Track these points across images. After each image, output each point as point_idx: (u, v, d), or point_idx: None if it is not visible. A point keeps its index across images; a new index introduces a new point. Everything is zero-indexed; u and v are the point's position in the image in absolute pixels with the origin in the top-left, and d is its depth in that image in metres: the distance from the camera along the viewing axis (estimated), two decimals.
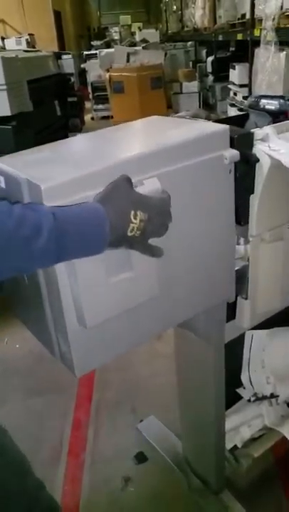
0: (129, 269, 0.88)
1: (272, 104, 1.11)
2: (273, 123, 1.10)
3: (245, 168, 0.97)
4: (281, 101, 1.10)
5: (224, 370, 1.38)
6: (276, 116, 1.11)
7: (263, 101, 1.12)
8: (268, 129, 0.98)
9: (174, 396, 2.19)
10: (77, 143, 1.09)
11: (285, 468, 1.85)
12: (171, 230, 0.90)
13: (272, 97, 1.12)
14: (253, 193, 1.02)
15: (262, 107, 1.13)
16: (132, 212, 0.78)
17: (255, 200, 1.02)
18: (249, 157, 0.97)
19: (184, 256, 1.00)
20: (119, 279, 0.87)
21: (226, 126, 0.96)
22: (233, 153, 0.95)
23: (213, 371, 1.35)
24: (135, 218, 0.78)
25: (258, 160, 0.97)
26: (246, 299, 1.17)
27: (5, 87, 2.69)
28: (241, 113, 1.20)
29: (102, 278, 0.85)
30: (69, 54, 4.78)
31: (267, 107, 1.12)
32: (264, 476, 1.81)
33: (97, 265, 0.83)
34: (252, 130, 0.98)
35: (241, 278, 1.14)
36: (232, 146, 0.96)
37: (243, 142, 0.96)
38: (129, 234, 0.78)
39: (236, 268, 1.12)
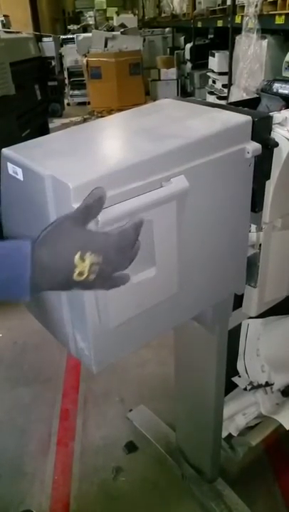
0: (152, 268, 0.85)
1: (285, 88, 1.09)
2: (286, 108, 1.07)
3: (264, 153, 0.94)
4: None
5: (226, 358, 1.37)
6: None
7: (276, 85, 1.09)
8: (287, 113, 0.96)
9: (162, 386, 2.20)
10: (92, 131, 1.03)
11: (276, 456, 1.87)
12: (191, 225, 0.89)
13: (286, 81, 1.09)
14: (269, 178, 0.99)
15: (275, 90, 1.10)
16: (78, 255, 0.68)
17: (270, 186, 1.00)
18: (268, 141, 0.94)
19: (200, 251, 0.98)
20: (142, 278, 0.85)
21: (249, 118, 0.93)
22: (256, 147, 0.93)
23: (215, 360, 1.34)
24: (83, 261, 0.68)
25: (277, 144, 0.94)
26: (255, 287, 1.15)
27: None
28: (248, 97, 1.16)
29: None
30: (50, 37, 4.64)
31: (280, 91, 1.09)
32: (255, 463, 1.81)
33: None
34: (271, 113, 0.95)
35: (251, 266, 1.12)
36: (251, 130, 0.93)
37: (262, 126, 0.94)
38: (76, 279, 0.69)
39: (247, 256, 1.10)
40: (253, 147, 0.93)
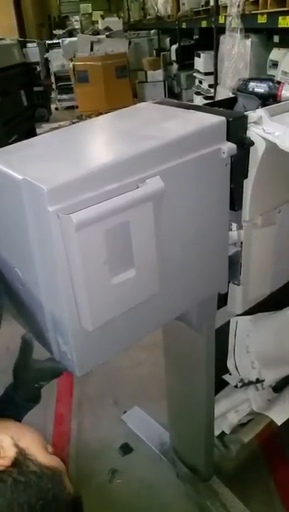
0: (130, 269, 0.86)
1: (261, 87, 1.10)
2: (262, 106, 1.08)
3: (240, 153, 0.95)
4: (270, 84, 1.09)
5: (214, 357, 1.38)
6: (265, 100, 1.10)
7: (252, 84, 1.10)
8: (262, 112, 0.96)
9: (156, 386, 2.20)
10: (69, 136, 1.04)
11: (270, 452, 1.88)
12: (169, 226, 0.90)
13: (260, 80, 1.11)
14: (246, 177, 1.00)
15: (250, 90, 1.11)
16: None
17: (248, 185, 1.01)
18: (244, 141, 0.95)
19: (180, 251, 0.98)
20: (121, 279, 0.85)
21: (222, 118, 0.94)
22: (231, 147, 0.94)
23: (204, 359, 1.35)
24: None
25: (252, 143, 0.95)
26: (238, 284, 1.16)
27: None
28: (229, 96, 1.18)
29: (106, 280, 0.83)
30: (34, 42, 4.63)
31: (256, 90, 1.10)
32: (250, 460, 1.82)
33: (102, 269, 0.81)
34: (246, 113, 0.96)
35: (234, 264, 1.13)
36: (226, 130, 0.94)
37: (237, 126, 0.94)
38: None
39: (229, 254, 1.11)
40: (229, 147, 0.93)
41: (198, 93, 6.36)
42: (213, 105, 1.10)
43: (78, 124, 1.12)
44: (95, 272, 0.81)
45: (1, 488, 0.80)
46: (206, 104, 1.13)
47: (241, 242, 1.10)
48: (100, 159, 0.85)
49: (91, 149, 0.98)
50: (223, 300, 1.23)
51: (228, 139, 0.95)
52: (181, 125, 0.95)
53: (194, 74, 6.58)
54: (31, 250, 0.84)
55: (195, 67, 6.48)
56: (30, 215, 0.79)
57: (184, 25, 6.87)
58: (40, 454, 0.87)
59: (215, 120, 0.94)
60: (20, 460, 0.84)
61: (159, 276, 0.92)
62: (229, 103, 1.16)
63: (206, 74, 5.91)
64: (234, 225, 1.09)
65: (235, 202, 1.02)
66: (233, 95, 1.15)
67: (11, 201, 0.83)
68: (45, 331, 0.95)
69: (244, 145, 0.95)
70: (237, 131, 0.95)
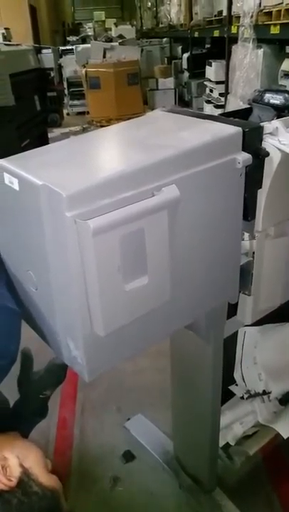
0: (144, 276, 0.86)
1: (276, 99, 1.10)
2: (277, 118, 1.08)
3: (255, 163, 0.95)
4: (286, 95, 1.09)
5: (222, 367, 1.37)
6: (281, 111, 1.10)
7: (268, 95, 1.11)
8: (277, 123, 0.97)
9: (159, 394, 2.19)
10: (86, 143, 1.05)
11: (273, 465, 1.86)
12: (183, 234, 0.91)
13: (276, 92, 1.11)
14: (260, 187, 1.00)
15: (266, 101, 1.11)
16: None
17: (262, 195, 1.01)
18: (259, 151, 0.95)
19: (193, 259, 0.99)
20: (134, 286, 0.86)
21: (239, 129, 0.94)
22: (246, 157, 0.94)
23: (211, 369, 1.34)
24: None
25: (268, 154, 0.95)
26: (249, 295, 1.15)
27: None
28: (244, 106, 1.18)
29: (120, 286, 0.84)
30: (49, 48, 4.67)
31: (271, 101, 1.10)
32: (253, 472, 1.80)
33: (116, 275, 0.82)
34: (262, 124, 0.96)
35: (245, 274, 1.12)
36: (242, 140, 0.94)
37: (253, 136, 0.95)
38: None
39: (240, 264, 1.11)
40: (244, 157, 0.93)
41: (208, 101, 6.39)
42: (229, 115, 1.10)
43: (94, 131, 1.13)
44: (109, 278, 0.81)
45: (7, 508, 0.87)
46: (221, 114, 1.12)
47: (253, 252, 1.10)
48: (117, 167, 0.85)
49: (108, 157, 0.99)
50: (232, 310, 1.22)
51: (244, 149, 0.95)
52: (197, 135, 0.96)
53: (205, 82, 6.61)
54: (46, 254, 0.84)
55: (206, 76, 6.51)
56: (48, 219, 0.80)
57: (196, 34, 6.91)
58: (42, 475, 0.94)
59: (231, 130, 0.94)
60: (25, 480, 0.91)
61: (170, 284, 0.92)
62: (244, 113, 1.16)
63: (217, 83, 5.93)
64: (246, 235, 1.09)
65: (249, 212, 1.02)
66: (248, 105, 1.15)
67: (28, 205, 0.84)
68: (56, 334, 0.95)
69: (259, 155, 0.95)
70: (253, 141, 0.95)
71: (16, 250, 0.99)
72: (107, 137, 1.09)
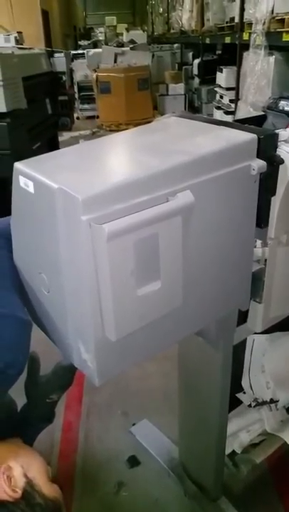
0: (156, 281, 0.86)
1: None
2: None
3: (269, 170, 0.95)
4: None
5: (230, 374, 1.36)
6: None
7: (282, 102, 1.11)
8: None
9: (165, 399, 2.18)
10: (100, 147, 1.06)
11: (279, 474, 1.84)
12: (196, 240, 0.91)
13: None
14: (274, 194, 1.00)
15: (281, 108, 1.11)
16: None
17: (276, 202, 1.01)
18: (274, 158, 0.95)
19: (205, 265, 0.99)
20: (147, 291, 0.86)
21: (254, 136, 0.94)
22: (261, 164, 0.94)
23: (220, 376, 1.33)
24: None
25: (282, 161, 0.95)
26: (260, 302, 1.15)
27: (1, 83, 2.65)
28: (259, 113, 1.17)
29: (132, 291, 0.84)
30: (61, 52, 4.69)
31: (286, 108, 1.10)
32: (259, 481, 1.79)
33: (129, 279, 0.82)
34: (276, 131, 0.96)
35: (256, 281, 1.12)
36: (257, 147, 0.94)
37: (267, 143, 0.94)
38: None
39: (252, 271, 1.10)
40: (259, 164, 0.93)
41: (218, 107, 6.39)
42: (243, 122, 1.10)
43: (108, 136, 1.13)
44: (122, 282, 0.81)
45: None
46: (235, 121, 1.12)
47: (265, 260, 1.09)
48: (133, 172, 0.85)
49: (123, 161, 0.99)
50: (242, 317, 1.22)
51: (258, 156, 0.95)
52: (212, 141, 0.96)
53: (215, 88, 6.61)
54: (59, 257, 0.84)
55: (216, 82, 6.52)
56: (62, 222, 0.80)
57: (207, 41, 6.92)
58: (44, 485, 0.96)
59: (246, 137, 0.94)
60: (28, 491, 0.92)
61: (182, 289, 0.92)
62: (258, 120, 1.16)
63: (228, 89, 5.94)
64: (259, 242, 1.09)
65: (262, 219, 1.02)
66: (263, 112, 1.14)
67: (43, 208, 0.85)
68: (67, 337, 0.95)
69: (274, 163, 0.95)
70: (267, 148, 0.95)
71: (29, 252, 0.99)
72: (121, 142, 1.10)
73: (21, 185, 0.90)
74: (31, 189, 0.87)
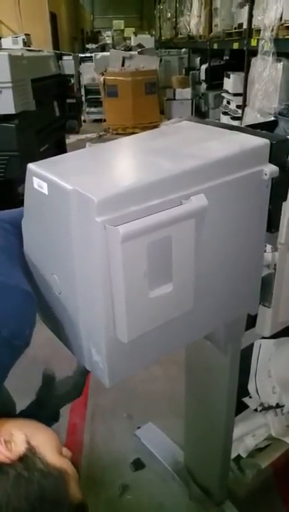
0: (168, 283, 0.87)
1: None
2: None
3: (281, 176, 0.96)
4: None
5: (237, 378, 1.36)
6: None
7: None
8: None
9: (170, 403, 2.18)
10: (113, 150, 1.07)
11: (284, 479, 1.84)
12: (208, 243, 0.91)
13: None
14: (286, 200, 1.01)
15: None
16: None
17: (287, 208, 1.01)
18: (285, 164, 0.95)
19: (216, 269, 0.99)
20: (159, 293, 0.86)
21: (266, 141, 0.95)
22: (274, 169, 0.95)
23: (227, 380, 1.34)
24: None
25: None
26: (269, 307, 1.15)
27: (11, 84, 2.66)
28: (270, 119, 1.18)
29: (145, 293, 0.84)
30: (70, 55, 4.72)
31: None
32: (264, 486, 1.79)
33: (142, 281, 0.82)
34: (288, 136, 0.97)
35: (266, 286, 1.12)
36: (269, 152, 0.95)
37: (280, 149, 0.95)
38: None
39: (261, 276, 1.11)
40: (271, 169, 0.94)
41: (225, 113, 6.41)
42: (254, 127, 1.10)
43: (120, 139, 1.14)
44: (135, 284, 0.82)
45: (2, 479, 0.80)
46: (247, 126, 1.13)
47: (275, 264, 1.10)
48: (147, 175, 0.86)
49: (137, 164, 1.00)
50: (251, 322, 1.22)
51: (270, 162, 0.96)
52: (225, 145, 0.97)
53: (222, 94, 6.63)
54: (72, 259, 0.85)
55: (224, 88, 6.54)
56: (76, 224, 0.81)
57: (215, 46, 6.95)
58: (50, 454, 0.86)
59: (259, 142, 0.95)
60: (29, 456, 0.84)
61: (194, 292, 0.92)
62: (269, 126, 1.17)
63: (235, 95, 5.95)
64: (269, 247, 1.09)
65: (273, 224, 1.02)
66: (274, 118, 1.15)
67: (57, 209, 0.85)
68: (78, 339, 0.95)
69: (285, 168, 0.96)
70: (279, 154, 0.96)
71: (41, 253, 1.00)
72: (134, 145, 1.10)
73: (35, 187, 0.91)
74: (45, 190, 0.87)
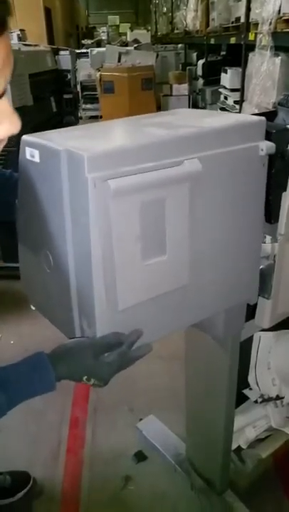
0: (162, 253, 0.88)
1: None
2: None
3: (281, 165, 0.97)
4: None
5: (237, 371, 1.38)
6: None
7: None
8: None
9: (171, 397, 2.20)
10: (109, 124, 1.08)
11: (284, 469, 1.86)
12: (203, 216, 0.91)
13: None
14: (285, 190, 1.02)
15: None
16: (85, 377, 0.89)
17: (287, 198, 1.02)
18: (285, 153, 0.96)
19: (212, 248, 0.99)
20: (153, 261, 0.86)
21: (262, 118, 0.97)
22: (270, 145, 0.95)
23: (227, 372, 1.35)
24: (88, 381, 0.90)
25: None
26: (268, 298, 1.16)
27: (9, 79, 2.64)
28: (270, 110, 1.19)
29: (138, 260, 0.84)
30: (66, 50, 4.70)
31: None
32: (265, 476, 1.81)
33: (134, 246, 0.82)
34: (288, 126, 0.98)
35: (265, 277, 1.13)
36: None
37: (279, 138, 0.96)
38: (84, 380, 0.90)
39: (261, 267, 1.12)
40: (267, 145, 0.95)
41: (223, 109, 6.39)
42: None
43: (119, 119, 1.14)
44: (128, 248, 0.82)
45: None
46: None
47: (274, 256, 1.11)
48: (140, 139, 0.87)
49: (131, 132, 1.01)
50: (250, 313, 1.23)
51: None
52: (221, 119, 0.98)
53: (220, 89, 6.62)
54: (65, 224, 0.84)
55: (221, 83, 6.52)
56: (67, 185, 0.81)
57: (212, 41, 6.92)
58: None
59: (254, 118, 0.97)
60: None
61: (189, 266, 0.93)
62: (269, 116, 1.18)
63: (232, 90, 5.94)
64: (268, 238, 1.10)
65: (272, 214, 1.03)
66: (274, 108, 1.16)
67: (48, 175, 0.85)
68: (69, 314, 0.93)
69: (285, 157, 0.97)
70: (279, 143, 0.97)
71: (33, 230, 0.99)
72: (130, 121, 1.10)
73: (27, 157, 0.90)
74: (37, 159, 0.87)
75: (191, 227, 0.90)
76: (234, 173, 0.95)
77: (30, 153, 0.89)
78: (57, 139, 0.89)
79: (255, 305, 1.21)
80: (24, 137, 0.92)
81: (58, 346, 0.91)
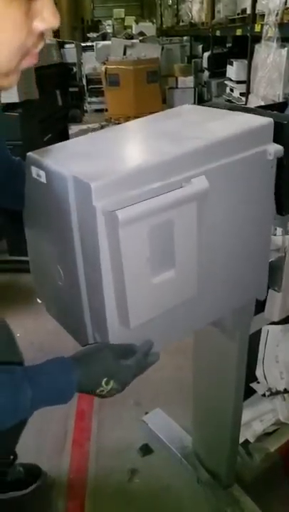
0: (171, 268, 0.87)
1: None
2: None
3: None
4: None
5: (246, 364, 1.37)
6: None
7: None
8: None
9: (178, 390, 2.19)
10: (113, 136, 1.06)
11: None
12: (212, 228, 0.91)
13: None
14: None
15: None
16: (105, 380, 0.88)
17: None
18: None
19: (221, 254, 0.98)
20: (162, 279, 0.86)
21: (269, 119, 0.94)
22: (278, 149, 0.94)
23: (235, 366, 1.34)
24: (107, 384, 0.88)
25: None
26: (279, 291, 1.15)
27: None
28: (280, 101, 1.17)
29: (148, 279, 0.84)
30: (72, 43, 4.67)
31: None
32: (271, 470, 1.80)
33: (145, 267, 0.82)
34: None
35: (275, 270, 1.12)
36: (280, 133, 0.94)
37: None
38: (97, 392, 0.89)
39: (271, 260, 1.11)
40: (275, 149, 0.93)
41: (228, 101, 6.35)
42: (264, 109, 1.10)
43: (121, 124, 1.13)
44: (137, 269, 0.81)
45: None
46: (257, 107, 1.12)
47: (285, 248, 1.10)
48: (145, 158, 0.86)
49: (136, 148, 0.99)
50: (260, 307, 1.22)
51: (282, 142, 0.95)
52: (226, 125, 0.96)
53: (226, 82, 6.58)
54: (74, 247, 0.84)
55: (227, 75, 6.48)
56: (75, 211, 0.81)
57: (217, 33, 6.88)
58: None
59: (261, 121, 0.94)
60: None
61: (197, 278, 0.92)
62: (280, 107, 1.16)
63: (238, 82, 5.90)
64: (279, 230, 1.09)
65: (284, 206, 1.02)
66: (284, 99, 1.14)
67: (56, 198, 0.85)
68: (82, 327, 0.95)
69: None
70: None
71: (43, 244, 0.99)
72: (133, 129, 1.09)
73: (34, 176, 0.90)
74: (43, 179, 0.87)
75: (199, 240, 0.89)
76: (242, 180, 0.94)
77: (36, 173, 0.89)
78: (62, 159, 0.88)
79: (265, 298, 1.20)
80: (29, 154, 0.91)
81: (78, 351, 0.91)
